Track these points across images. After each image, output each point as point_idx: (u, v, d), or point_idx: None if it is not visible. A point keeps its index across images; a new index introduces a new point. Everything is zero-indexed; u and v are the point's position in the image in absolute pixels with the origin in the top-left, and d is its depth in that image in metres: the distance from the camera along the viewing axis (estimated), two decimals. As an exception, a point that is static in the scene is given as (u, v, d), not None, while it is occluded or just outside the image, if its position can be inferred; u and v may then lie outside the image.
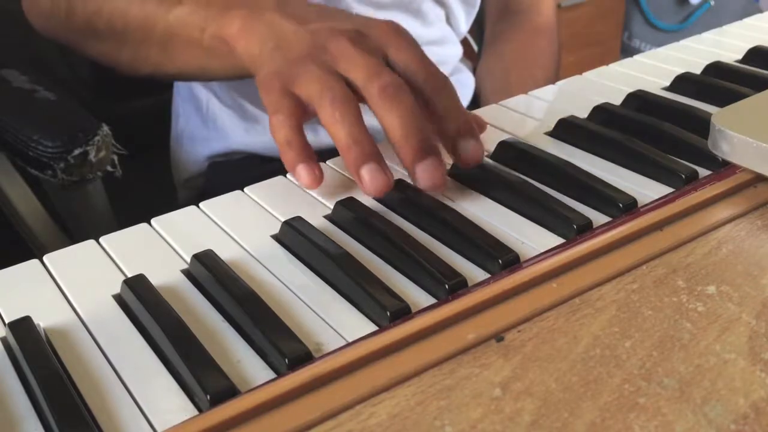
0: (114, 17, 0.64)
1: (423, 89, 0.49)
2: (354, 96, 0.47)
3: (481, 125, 0.55)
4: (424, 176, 0.46)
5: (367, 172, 0.45)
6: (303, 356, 0.36)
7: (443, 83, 0.50)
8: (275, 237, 0.46)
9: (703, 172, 0.49)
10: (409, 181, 0.50)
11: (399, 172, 0.52)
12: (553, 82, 0.66)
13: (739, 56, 0.67)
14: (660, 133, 0.53)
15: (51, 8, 0.70)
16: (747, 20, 0.77)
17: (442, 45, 0.88)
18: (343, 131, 0.46)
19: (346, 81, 0.48)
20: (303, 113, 0.49)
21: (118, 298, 0.41)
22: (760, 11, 0.82)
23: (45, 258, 0.44)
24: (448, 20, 0.89)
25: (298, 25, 0.52)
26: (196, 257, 0.43)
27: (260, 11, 0.54)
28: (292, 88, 0.49)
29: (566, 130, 0.55)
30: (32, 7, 0.73)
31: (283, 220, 0.46)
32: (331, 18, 0.54)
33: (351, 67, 0.48)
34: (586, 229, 0.44)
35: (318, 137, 0.83)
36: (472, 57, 1.01)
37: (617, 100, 0.59)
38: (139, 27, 0.62)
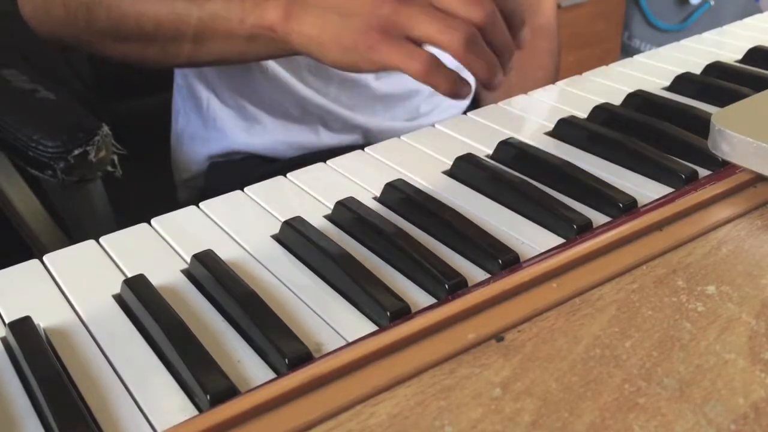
0: (143, 20, 0.65)
1: (479, 26, 0.54)
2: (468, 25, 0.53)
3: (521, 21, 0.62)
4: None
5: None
6: (303, 356, 0.36)
7: (490, 12, 0.55)
8: (275, 237, 0.46)
9: (703, 172, 0.49)
10: (408, 180, 0.50)
11: (397, 172, 0.52)
12: (553, 82, 0.66)
13: (739, 56, 0.67)
14: (660, 133, 0.53)
15: (66, 16, 0.70)
16: (747, 20, 0.77)
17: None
18: (481, 66, 0.55)
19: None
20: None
21: (118, 298, 0.41)
22: (760, 11, 0.82)
23: (45, 258, 0.44)
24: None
25: None
26: (196, 257, 0.43)
27: None
28: (402, 31, 0.54)
29: (566, 130, 0.55)
30: (41, 16, 0.73)
31: (283, 220, 0.46)
32: None
33: (421, 25, 0.53)
34: (586, 229, 0.44)
35: (319, 137, 0.83)
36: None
37: (617, 100, 0.59)
38: (171, 26, 0.64)
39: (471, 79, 0.57)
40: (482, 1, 0.54)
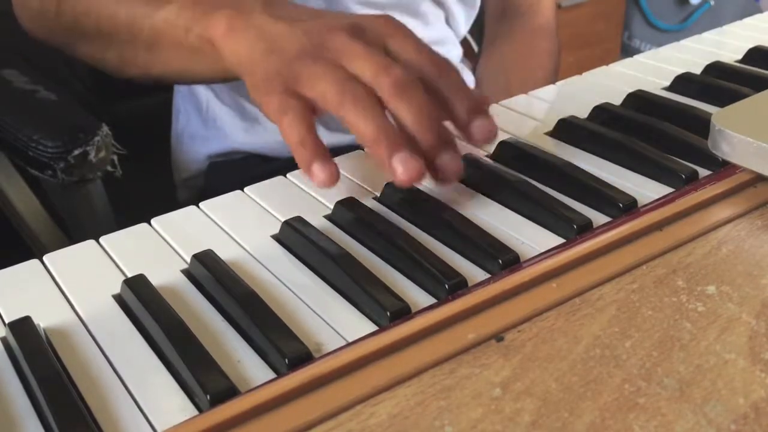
0: (102, 18, 0.63)
1: (427, 77, 0.48)
2: (373, 91, 0.46)
3: (485, 101, 0.53)
4: (446, 165, 0.46)
5: (400, 161, 0.44)
6: (303, 356, 0.36)
7: (446, 66, 0.49)
8: (275, 237, 0.46)
9: (703, 172, 0.49)
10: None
11: (399, 172, 0.52)
12: (553, 82, 0.66)
13: (739, 56, 0.67)
14: (660, 133, 0.53)
15: (40, 9, 0.69)
16: (747, 20, 0.77)
17: (442, 46, 0.88)
18: (371, 126, 0.45)
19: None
20: (312, 112, 0.48)
21: (118, 298, 0.41)
22: (760, 11, 0.82)
23: (45, 258, 0.44)
24: (448, 21, 0.89)
25: (290, 25, 0.51)
26: (196, 257, 0.43)
27: (248, 13, 0.53)
28: (298, 87, 0.48)
29: (566, 130, 0.55)
30: (22, 8, 0.73)
31: (283, 220, 0.46)
32: (322, 17, 0.53)
33: (356, 62, 0.47)
34: (586, 229, 0.44)
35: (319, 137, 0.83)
36: (472, 57, 1.01)
37: (617, 100, 0.59)
38: (127, 28, 0.62)
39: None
40: (393, 64, 0.47)
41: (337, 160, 0.53)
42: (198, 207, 0.49)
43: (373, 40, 0.49)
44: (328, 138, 0.83)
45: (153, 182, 0.94)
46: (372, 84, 0.46)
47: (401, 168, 0.44)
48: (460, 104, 0.48)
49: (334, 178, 0.46)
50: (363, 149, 0.55)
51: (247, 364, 0.36)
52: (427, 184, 0.50)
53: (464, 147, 0.54)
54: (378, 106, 0.46)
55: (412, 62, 0.48)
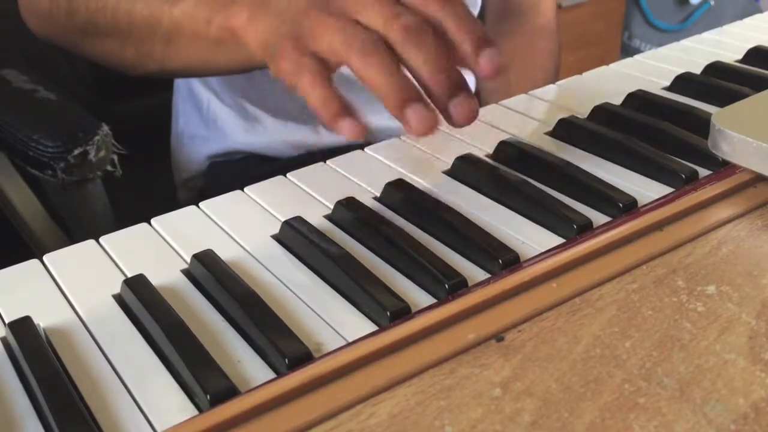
0: (119, 13, 0.63)
1: (433, 15, 0.47)
2: (381, 39, 0.46)
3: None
4: (459, 111, 0.45)
5: (413, 112, 0.44)
6: (303, 356, 0.36)
7: (451, 4, 0.48)
8: (275, 237, 0.46)
9: (703, 172, 0.49)
10: (408, 180, 0.50)
11: (397, 171, 0.52)
12: (553, 82, 0.66)
13: (739, 56, 0.67)
14: (660, 133, 0.53)
15: (50, 8, 0.69)
16: (747, 20, 0.77)
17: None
18: (382, 77, 0.44)
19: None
20: (326, 69, 0.47)
21: (118, 298, 0.41)
22: (760, 11, 0.82)
23: (45, 258, 0.44)
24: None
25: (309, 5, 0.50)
26: (196, 257, 0.43)
27: (267, 1, 0.53)
28: (309, 44, 0.47)
29: (566, 130, 0.55)
30: (30, 8, 0.73)
31: (283, 220, 0.46)
32: None
33: (364, 10, 0.47)
34: (586, 229, 0.44)
35: (319, 137, 0.83)
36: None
37: (617, 100, 0.59)
38: (145, 22, 0.62)
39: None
40: (402, 12, 0.46)
41: (337, 159, 0.53)
42: (198, 207, 0.49)
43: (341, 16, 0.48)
44: (329, 138, 0.83)
45: (153, 182, 0.94)
46: (382, 31, 0.46)
47: (415, 119, 0.43)
48: (468, 37, 0.47)
49: (363, 131, 0.45)
50: (363, 149, 0.55)
51: (247, 364, 0.36)
52: (427, 184, 0.50)
53: (465, 148, 0.54)
54: (388, 54, 0.45)
55: (418, 4, 0.47)
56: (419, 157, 0.54)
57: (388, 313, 0.38)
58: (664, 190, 0.48)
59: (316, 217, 0.47)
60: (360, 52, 0.45)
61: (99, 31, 0.66)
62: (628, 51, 2.17)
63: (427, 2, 0.47)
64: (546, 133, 0.56)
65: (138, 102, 1.01)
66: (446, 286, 0.39)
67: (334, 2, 0.48)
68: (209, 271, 0.41)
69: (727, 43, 0.71)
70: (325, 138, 0.83)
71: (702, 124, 0.50)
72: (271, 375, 0.36)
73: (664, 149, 0.51)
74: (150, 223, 0.48)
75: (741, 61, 0.66)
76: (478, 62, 0.46)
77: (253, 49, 0.54)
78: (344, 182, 0.51)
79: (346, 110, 0.45)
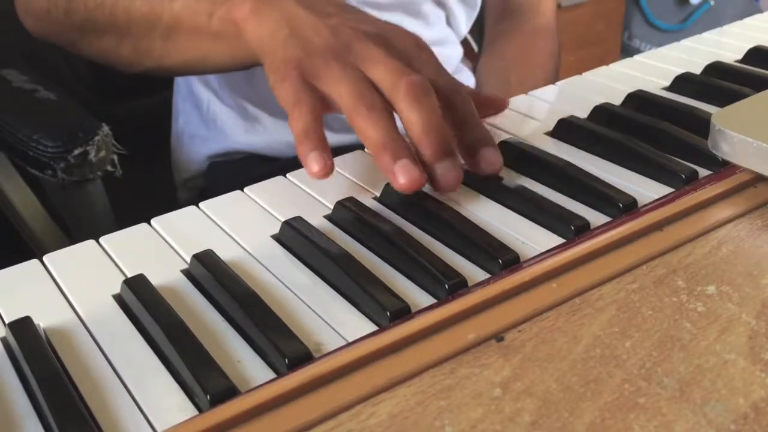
0: (117, 10, 0.63)
1: (446, 98, 0.49)
2: (388, 104, 0.48)
3: (502, 105, 0.57)
4: (445, 174, 0.46)
5: (401, 167, 0.45)
6: (303, 356, 0.36)
7: (464, 96, 0.50)
8: (275, 237, 0.46)
9: (703, 172, 0.49)
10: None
11: (399, 172, 0.52)
12: (553, 82, 0.66)
13: (739, 56, 0.67)
14: (660, 133, 0.53)
15: (48, 7, 0.69)
16: (747, 20, 0.77)
17: (443, 46, 0.88)
18: (379, 132, 0.46)
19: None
20: (323, 108, 0.49)
21: (118, 298, 0.41)
22: (760, 11, 0.82)
23: (45, 258, 0.44)
24: (449, 21, 0.89)
25: (318, 17, 0.52)
26: (196, 257, 0.43)
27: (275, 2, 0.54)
28: (315, 81, 0.49)
29: (566, 130, 0.55)
30: (27, 8, 0.73)
31: (283, 220, 0.46)
32: (352, 17, 0.54)
33: (378, 69, 0.48)
34: (585, 229, 0.44)
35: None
36: (472, 57, 1.01)
37: (617, 100, 0.59)
38: (143, 18, 0.62)
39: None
40: (406, 72, 0.48)
41: (337, 159, 0.53)
42: (198, 207, 0.49)
43: (399, 54, 0.50)
44: (329, 138, 0.83)
45: (153, 182, 0.94)
46: (389, 89, 0.48)
47: (402, 174, 0.45)
48: (472, 130, 0.49)
49: (328, 170, 0.47)
50: (363, 149, 0.55)
51: (247, 364, 0.36)
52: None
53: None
54: (389, 114, 0.47)
55: (433, 83, 0.49)
56: (419, 157, 0.54)
57: (388, 313, 0.38)
58: (664, 190, 0.48)
59: (316, 217, 0.47)
60: (367, 110, 0.47)
61: (97, 28, 0.66)
62: (628, 51, 2.17)
63: (440, 80, 0.50)
64: (546, 133, 0.56)
65: (138, 102, 1.01)
66: (446, 286, 0.39)
67: (353, 53, 0.49)
68: (209, 271, 0.41)
69: (727, 43, 0.71)
70: (329, 138, 0.83)
71: (702, 124, 0.50)
72: (271, 375, 0.36)
73: (664, 149, 0.51)
74: (150, 223, 0.48)
75: (741, 61, 0.66)
76: (478, 158, 0.49)
77: (252, 43, 0.54)
78: (344, 182, 0.51)
79: (321, 148, 0.47)
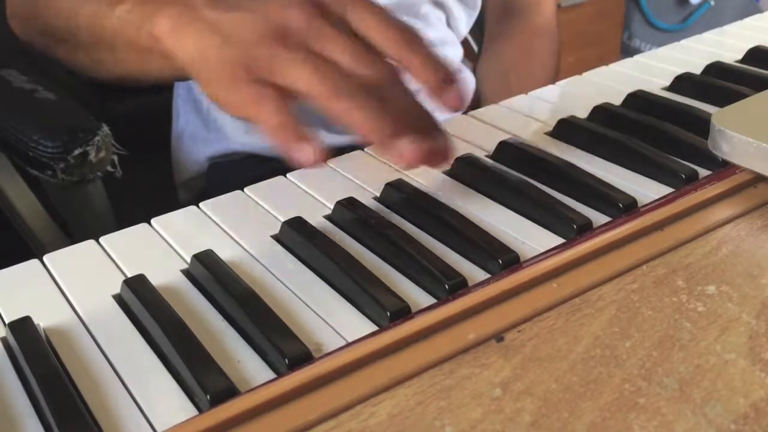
0: (70, 19, 0.61)
1: (394, 52, 0.46)
2: (352, 77, 0.44)
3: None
4: (437, 151, 0.45)
5: (405, 144, 0.43)
6: (303, 356, 0.36)
7: (412, 38, 0.47)
8: (275, 237, 0.46)
9: (703, 172, 0.49)
10: (408, 180, 0.50)
11: (397, 172, 0.52)
12: (553, 82, 0.66)
13: (739, 56, 0.67)
14: (660, 133, 0.53)
15: (24, 13, 0.69)
16: (747, 20, 0.77)
17: (443, 46, 0.88)
18: (361, 116, 0.43)
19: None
20: (288, 98, 0.45)
21: (118, 298, 0.41)
22: (760, 11, 0.82)
23: (45, 258, 0.44)
24: (449, 22, 0.89)
25: (242, 12, 0.48)
26: (196, 257, 0.43)
27: (194, 8, 0.50)
28: (267, 75, 0.45)
29: (566, 130, 0.55)
30: (12, 14, 0.73)
31: (283, 220, 0.46)
32: None
33: (327, 45, 0.45)
34: (586, 229, 0.44)
35: (319, 137, 0.83)
36: (472, 58, 1.01)
37: (617, 100, 0.59)
38: (89, 29, 0.60)
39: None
40: (373, 59, 0.45)
41: (337, 159, 0.53)
42: (198, 207, 0.49)
43: (335, 17, 0.47)
44: (329, 138, 0.83)
45: (153, 182, 0.94)
46: (352, 73, 0.45)
47: (407, 151, 0.43)
48: (431, 75, 0.46)
49: (321, 156, 0.44)
50: (363, 149, 0.55)
51: (247, 364, 0.36)
52: (427, 184, 0.50)
53: (465, 148, 0.54)
54: (360, 90, 0.44)
55: (376, 36, 0.46)
56: (419, 157, 0.54)
57: (388, 313, 0.38)
58: (664, 190, 0.48)
59: (316, 217, 0.47)
60: (335, 95, 0.44)
61: (56, 36, 0.65)
62: (628, 51, 2.17)
63: (386, 37, 0.47)
64: (546, 133, 0.56)
65: (138, 102, 1.01)
66: (446, 286, 0.39)
67: (290, 32, 0.46)
68: (209, 271, 0.41)
69: (727, 43, 0.71)
70: (325, 138, 0.83)
71: (702, 124, 0.50)
72: (271, 375, 0.36)
73: (664, 149, 0.51)
74: (150, 223, 0.48)
75: (741, 61, 0.66)
76: (443, 96, 0.46)
77: (180, 60, 0.50)
78: (344, 182, 0.51)
79: (304, 137, 0.44)
